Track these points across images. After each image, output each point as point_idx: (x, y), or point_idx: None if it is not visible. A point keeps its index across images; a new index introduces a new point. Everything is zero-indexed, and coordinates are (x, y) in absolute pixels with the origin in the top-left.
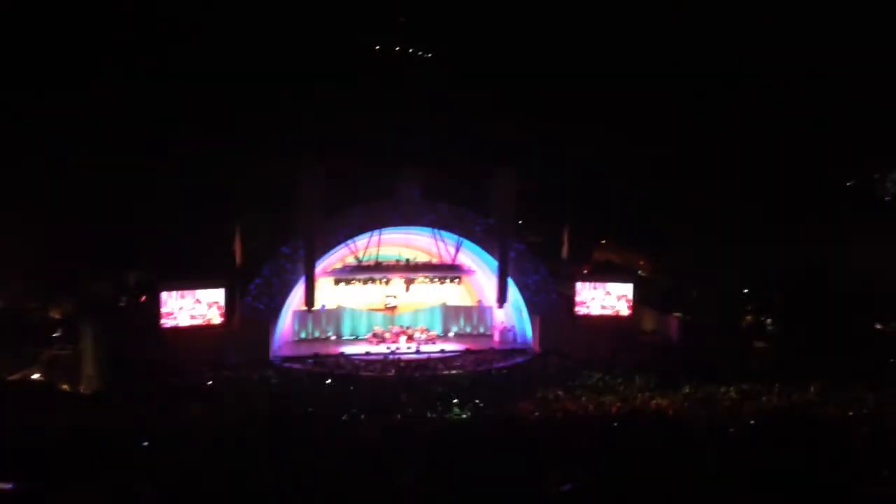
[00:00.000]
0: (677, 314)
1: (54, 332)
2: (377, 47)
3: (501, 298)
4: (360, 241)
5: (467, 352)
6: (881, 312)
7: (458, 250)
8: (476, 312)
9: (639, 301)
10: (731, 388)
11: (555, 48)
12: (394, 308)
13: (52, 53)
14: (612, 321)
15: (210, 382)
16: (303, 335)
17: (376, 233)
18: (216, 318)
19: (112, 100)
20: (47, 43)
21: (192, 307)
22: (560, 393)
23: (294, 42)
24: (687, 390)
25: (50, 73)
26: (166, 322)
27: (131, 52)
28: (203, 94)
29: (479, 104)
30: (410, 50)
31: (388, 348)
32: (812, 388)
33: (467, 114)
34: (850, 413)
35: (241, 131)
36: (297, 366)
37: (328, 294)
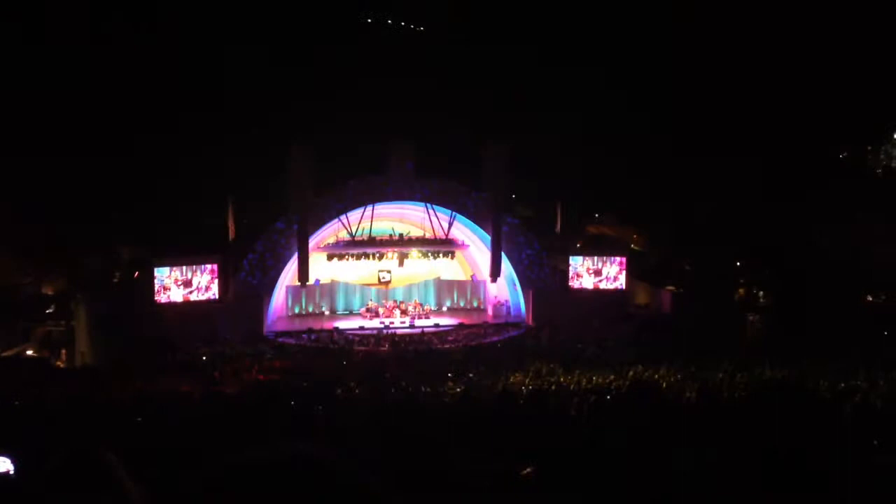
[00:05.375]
0: (670, 287)
1: (47, 308)
2: (369, 20)
3: (495, 273)
4: (353, 216)
5: (461, 326)
6: (872, 285)
7: (451, 225)
8: (469, 287)
9: (632, 275)
10: (724, 362)
11: (546, 17)
12: (387, 283)
13: (42, 22)
14: (605, 295)
15: (204, 358)
16: (297, 310)
17: (369, 208)
18: (210, 294)
19: (102, 74)
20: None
21: (185, 282)
22: (552, 366)
23: (285, 15)
24: (679, 364)
25: (41, 45)
26: (160, 297)
27: (123, 25)
28: (193, 67)
29: (472, 79)
30: (402, 23)
31: (381, 323)
32: (803, 361)
33: (459, 87)
34: (842, 385)
35: (233, 105)
36: (291, 340)
37: (322, 269)
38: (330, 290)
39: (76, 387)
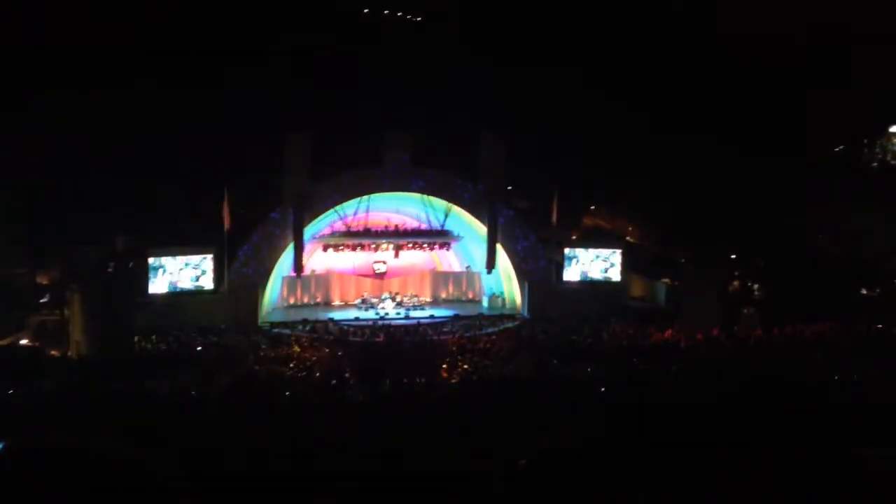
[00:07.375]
0: (665, 280)
1: (42, 297)
2: (365, 10)
3: (490, 264)
4: (349, 207)
5: (456, 317)
6: (867, 278)
7: (447, 216)
8: (465, 278)
9: (627, 267)
10: (719, 353)
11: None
12: (383, 274)
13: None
14: (601, 287)
15: (199, 348)
16: (292, 301)
17: (365, 199)
18: (205, 284)
19: (97, 64)
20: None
21: (180, 273)
22: (551, 360)
23: (284, 5)
24: (674, 355)
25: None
26: (154, 287)
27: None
28: (187, 56)
29: (469, 68)
30: (399, 13)
31: (377, 314)
32: (798, 354)
33: (456, 78)
34: (836, 377)
35: (230, 94)
36: (286, 331)
37: (317, 260)
38: (325, 280)
39: (70, 376)
